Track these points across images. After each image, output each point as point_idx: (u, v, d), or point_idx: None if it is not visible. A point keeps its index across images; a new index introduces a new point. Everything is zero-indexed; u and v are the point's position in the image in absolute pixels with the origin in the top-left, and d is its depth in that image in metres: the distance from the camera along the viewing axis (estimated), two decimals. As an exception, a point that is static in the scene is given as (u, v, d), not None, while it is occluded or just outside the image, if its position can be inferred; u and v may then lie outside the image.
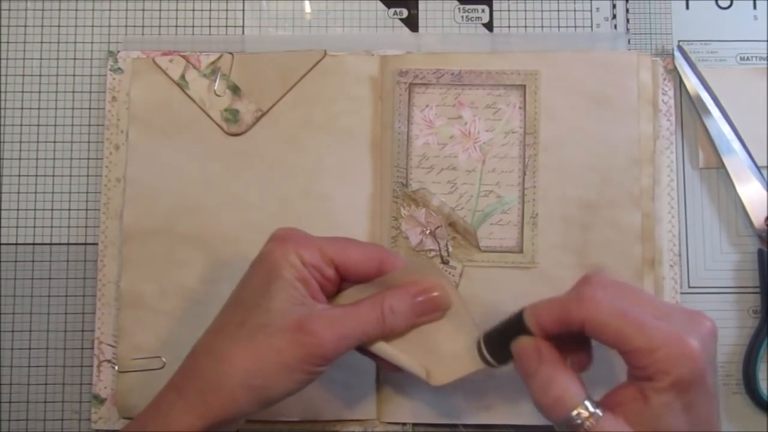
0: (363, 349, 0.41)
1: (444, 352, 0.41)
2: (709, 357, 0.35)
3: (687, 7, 0.55)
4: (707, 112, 0.52)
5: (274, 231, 0.41)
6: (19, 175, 0.53)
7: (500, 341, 0.39)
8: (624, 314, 0.35)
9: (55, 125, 0.54)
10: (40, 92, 0.54)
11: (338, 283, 0.42)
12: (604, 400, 0.37)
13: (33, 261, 0.53)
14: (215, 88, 0.52)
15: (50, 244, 0.53)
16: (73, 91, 0.54)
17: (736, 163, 0.51)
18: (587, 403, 0.36)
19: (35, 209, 0.53)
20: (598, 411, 0.35)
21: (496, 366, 0.40)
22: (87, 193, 0.53)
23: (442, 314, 0.41)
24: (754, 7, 0.55)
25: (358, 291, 0.41)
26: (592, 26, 0.54)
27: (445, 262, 0.50)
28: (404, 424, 0.50)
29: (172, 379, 0.40)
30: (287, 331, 0.38)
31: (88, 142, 0.54)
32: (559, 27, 0.54)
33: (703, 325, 0.36)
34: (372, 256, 0.41)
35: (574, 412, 0.35)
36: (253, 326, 0.38)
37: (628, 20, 0.54)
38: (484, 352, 0.40)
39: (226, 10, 0.55)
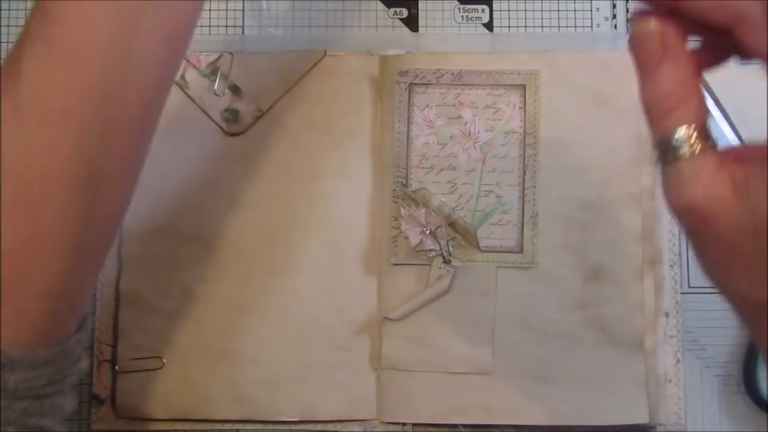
0: None
1: None
2: None
3: (687, 7, 0.55)
4: (707, 112, 0.52)
5: None
6: (19, 175, 0.53)
7: None
8: None
9: (55, 125, 0.54)
10: (40, 92, 0.54)
11: None
12: (728, 150, 0.30)
13: (33, 261, 0.52)
14: (215, 88, 0.52)
15: (50, 244, 0.53)
16: (73, 91, 0.54)
17: (736, 163, 0.51)
18: (698, 129, 0.29)
19: (35, 209, 0.53)
20: (704, 145, 0.29)
21: None
22: (87, 193, 0.53)
23: None
24: (754, 7, 0.54)
25: None
26: (592, 26, 0.54)
27: (447, 262, 0.50)
28: (404, 424, 0.50)
29: None
30: None
31: (88, 142, 0.53)
32: (559, 27, 0.54)
33: None
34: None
35: (681, 129, 0.30)
36: None
37: (628, 20, 0.54)
38: None
39: (226, 10, 0.55)
